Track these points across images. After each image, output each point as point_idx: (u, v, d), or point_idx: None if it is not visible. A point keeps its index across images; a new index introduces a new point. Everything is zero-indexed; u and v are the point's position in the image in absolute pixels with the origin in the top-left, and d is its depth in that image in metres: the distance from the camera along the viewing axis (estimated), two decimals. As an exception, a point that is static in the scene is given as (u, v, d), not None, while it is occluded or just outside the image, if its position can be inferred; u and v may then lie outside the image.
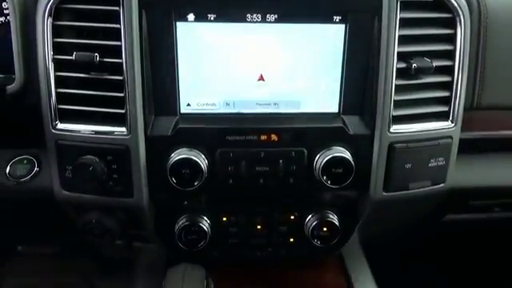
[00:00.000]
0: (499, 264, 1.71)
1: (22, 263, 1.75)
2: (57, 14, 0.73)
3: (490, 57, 0.86)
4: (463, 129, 0.85)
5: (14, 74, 0.81)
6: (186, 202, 0.84)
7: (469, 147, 0.97)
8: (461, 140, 0.86)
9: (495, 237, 1.61)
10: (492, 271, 1.73)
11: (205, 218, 0.86)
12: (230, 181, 0.79)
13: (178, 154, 0.76)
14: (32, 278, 1.73)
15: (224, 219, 0.87)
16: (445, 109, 0.82)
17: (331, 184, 0.78)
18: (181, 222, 0.85)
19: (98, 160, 0.76)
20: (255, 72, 0.78)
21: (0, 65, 0.82)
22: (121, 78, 0.74)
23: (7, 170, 0.87)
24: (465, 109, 0.85)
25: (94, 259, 1.78)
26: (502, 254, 1.67)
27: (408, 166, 0.81)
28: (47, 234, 1.32)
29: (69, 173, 0.79)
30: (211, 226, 0.86)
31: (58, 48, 0.74)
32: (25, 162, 0.89)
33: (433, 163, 0.83)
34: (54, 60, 0.75)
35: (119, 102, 0.75)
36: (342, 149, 0.78)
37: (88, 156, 0.76)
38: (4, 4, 0.79)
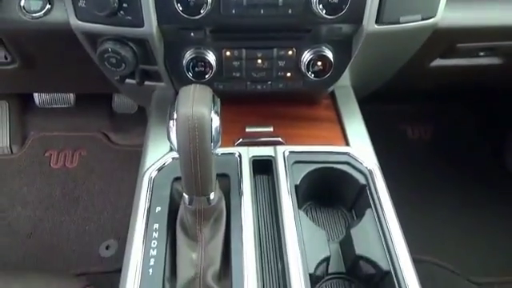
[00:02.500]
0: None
1: (43, 118, 1.90)
2: None
3: None
4: None
5: None
6: (192, 34, 0.90)
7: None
8: None
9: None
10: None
11: (210, 52, 0.94)
12: (233, 11, 0.85)
13: None
14: (53, 131, 1.91)
15: (227, 54, 0.95)
16: None
17: (326, 14, 0.84)
18: (188, 55, 0.93)
19: None
20: None
21: None
22: None
23: (22, 3, 0.92)
24: None
25: (107, 115, 1.93)
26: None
27: (401, -2, 0.86)
28: (64, 83, 1.42)
29: (82, 2, 0.84)
30: (216, 60, 0.94)
31: None
32: (36, -3, 0.94)
33: (425, -4, 0.87)
34: None
35: None
36: None
37: (98, -16, 0.80)
38: None
